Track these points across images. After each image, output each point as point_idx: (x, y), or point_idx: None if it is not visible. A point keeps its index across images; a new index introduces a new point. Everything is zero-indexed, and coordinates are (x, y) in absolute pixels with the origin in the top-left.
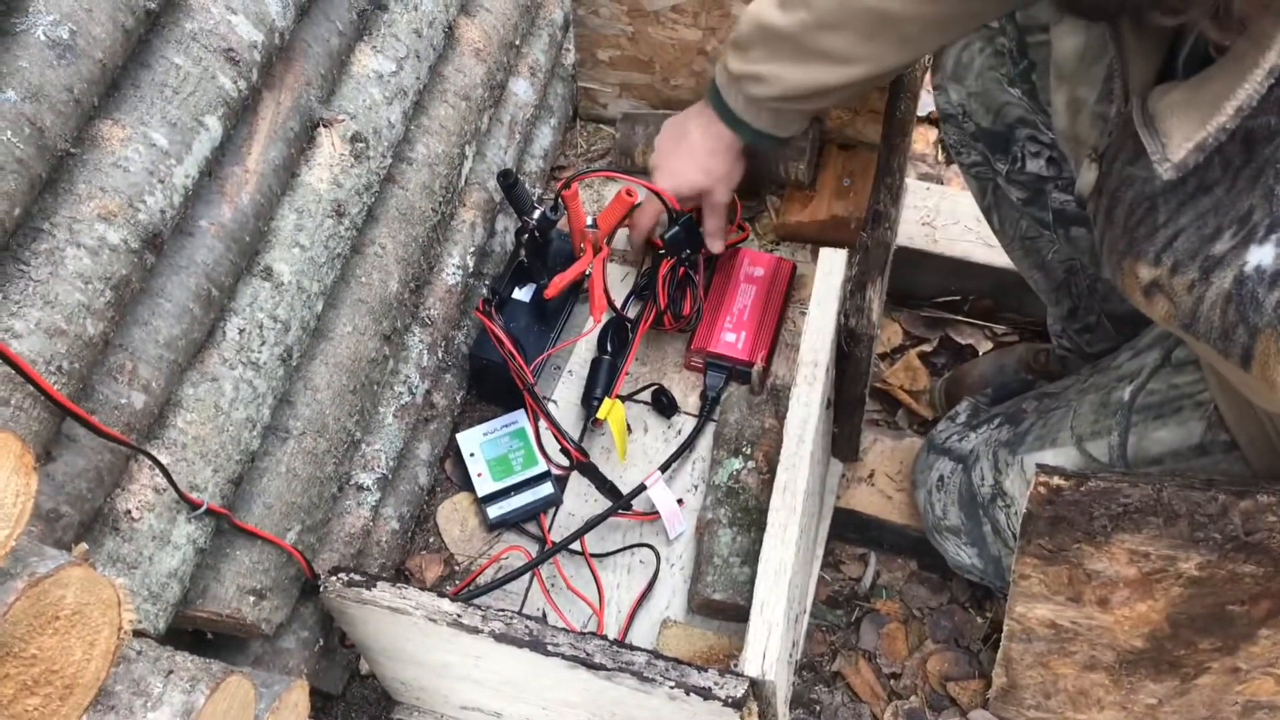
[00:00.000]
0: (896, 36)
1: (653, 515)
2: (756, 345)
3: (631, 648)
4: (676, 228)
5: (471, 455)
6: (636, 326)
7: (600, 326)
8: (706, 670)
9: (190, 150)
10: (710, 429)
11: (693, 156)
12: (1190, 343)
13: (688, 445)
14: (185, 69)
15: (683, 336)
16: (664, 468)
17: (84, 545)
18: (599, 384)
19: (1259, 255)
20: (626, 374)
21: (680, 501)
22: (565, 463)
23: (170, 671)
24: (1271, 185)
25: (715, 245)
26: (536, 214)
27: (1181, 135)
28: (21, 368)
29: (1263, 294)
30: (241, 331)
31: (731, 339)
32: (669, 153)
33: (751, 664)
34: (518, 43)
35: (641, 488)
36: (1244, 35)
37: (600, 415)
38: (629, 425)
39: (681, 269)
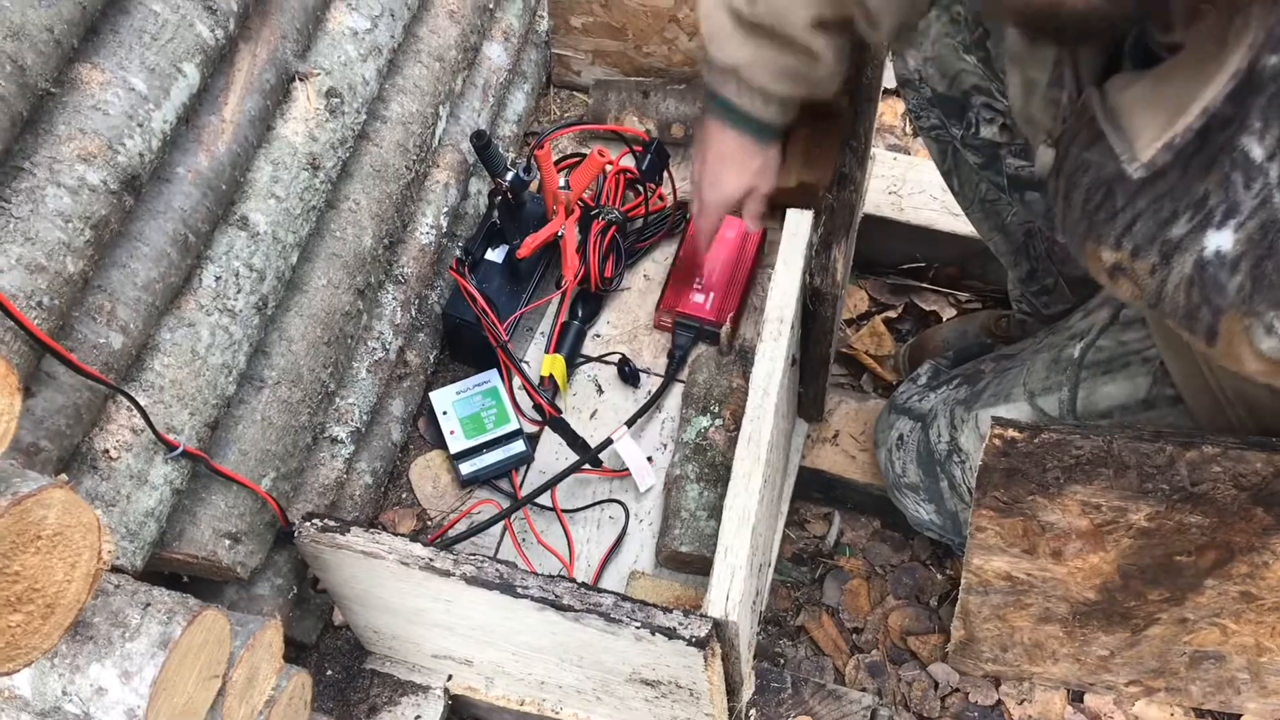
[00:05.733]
0: None
1: (623, 472)
2: (725, 306)
3: (599, 590)
4: (650, 155)
5: (444, 413)
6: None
7: (573, 293)
8: (671, 611)
9: (168, 96)
10: (678, 389)
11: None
12: (1157, 318)
13: (654, 402)
14: (164, 16)
15: (652, 298)
16: (630, 422)
17: (64, 475)
18: (564, 347)
19: (1217, 240)
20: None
21: (650, 459)
22: (538, 419)
23: (148, 604)
24: (1227, 172)
25: (752, 224)
26: (509, 175)
27: (1149, 135)
28: (1, 301)
29: (1224, 278)
30: (218, 279)
31: (700, 300)
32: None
33: (715, 605)
34: (491, 6)
35: (608, 441)
36: (1197, 31)
37: (543, 372)
38: (599, 386)
39: (611, 230)
